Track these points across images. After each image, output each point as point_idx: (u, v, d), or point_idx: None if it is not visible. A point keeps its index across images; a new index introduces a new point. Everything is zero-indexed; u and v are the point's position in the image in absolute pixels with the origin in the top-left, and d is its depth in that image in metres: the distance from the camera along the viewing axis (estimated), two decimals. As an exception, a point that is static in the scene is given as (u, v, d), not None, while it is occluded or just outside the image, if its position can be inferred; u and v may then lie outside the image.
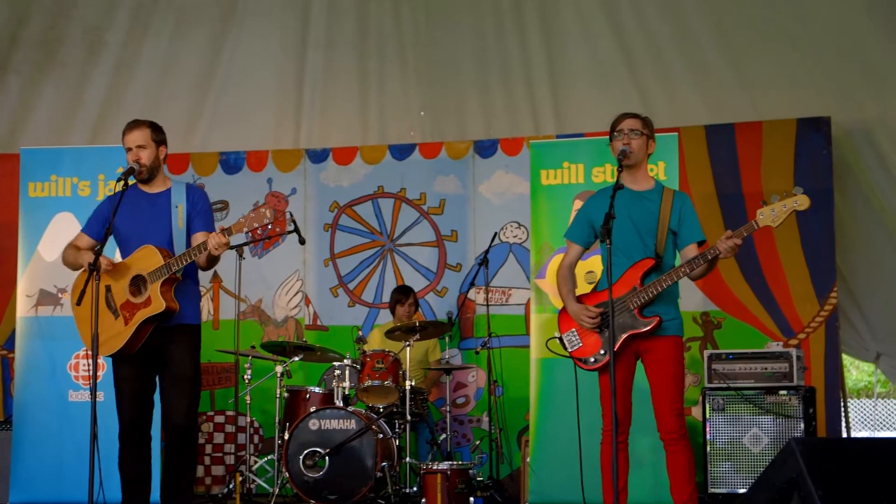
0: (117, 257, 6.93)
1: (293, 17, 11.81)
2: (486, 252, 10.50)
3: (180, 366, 6.78)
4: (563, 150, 9.57)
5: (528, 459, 9.33)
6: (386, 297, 11.00)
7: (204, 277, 10.96)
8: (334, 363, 9.87)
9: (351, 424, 9.29)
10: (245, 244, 10.32)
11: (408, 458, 9.47)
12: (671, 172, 9.03)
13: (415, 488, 9.17)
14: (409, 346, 9.60)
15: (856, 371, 20.33)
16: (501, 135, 11.26)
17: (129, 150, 6.82)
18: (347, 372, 9.70)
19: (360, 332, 10.76)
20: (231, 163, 11.61)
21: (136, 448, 6.83)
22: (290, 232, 10.30)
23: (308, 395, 9.79)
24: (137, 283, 6.66)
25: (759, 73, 10.71)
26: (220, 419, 11.25)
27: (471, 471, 9.20)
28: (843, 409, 10.11)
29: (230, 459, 11.04)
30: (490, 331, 10.33)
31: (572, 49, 11.24)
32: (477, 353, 10.55)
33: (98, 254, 6.41)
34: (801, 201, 6.07)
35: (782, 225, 6.21)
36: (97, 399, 6.32)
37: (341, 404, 9.52)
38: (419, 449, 10.13)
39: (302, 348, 10.06)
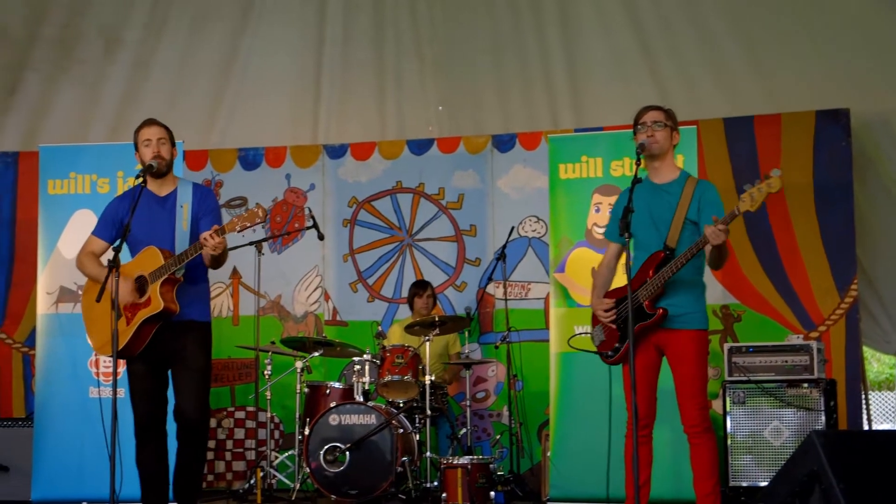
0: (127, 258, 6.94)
1: (310, 12, 11.82)
2: (505, 246, 10.49)
3: (192, 360, 6.81)
4: (581, 144, 9.56)
5: (548, 453, 9.33)
6: (405, 293, 11.00)
7: (223, 274, 11.06)
8: (354, 358, 9.87)
9: (371, 419, 9.30)
10: (264, 240, 10.33)
11: (428, 453, 9.47)
12: (690, 165, 9.00)
13: (435, 483, 9.17)
14: (428, 340, 9.60)
15: (877, 363, 20.23)
16: (519, 129, 11.24)
17: (147, 142, 6.82)
18: (367, 367, 9.71)
19: (380, 328, 10.76)
20: (249, 159, 11.61)
21: (152, 445, 6.85)
22: (308, 228, 10.33)
23: (328, 391, 9.80)
24: (140, 284, 6.67)
25: (778, 65, 10.69)
26: (240, 415, 11.26)
27: (491, 465, 9.21)
28: (864, 401, 10.08)
29: (251, 455, 11.06)
30: (509, 325, 10.32)
31: (590, 43, 11.22)
32: (496, 347, 10.53)
33: (117, 251, 6.41)
34: (774, 183, 6.04)
35: (758, 207, 6.13)
36: (118, 396, 6.33)
37: (361, 399, 9.53)
38: (439, 443, 10.13)
39: (322, 344, 10.08)
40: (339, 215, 11.47)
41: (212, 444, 11.02)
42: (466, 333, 10.51)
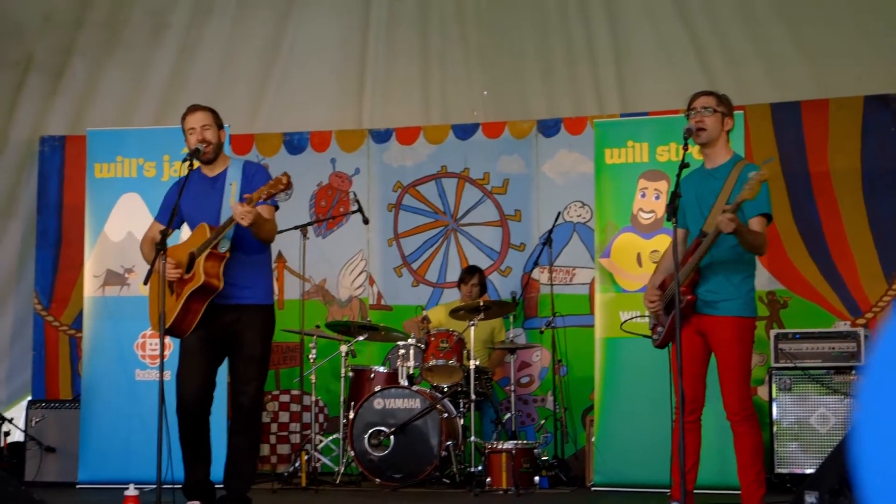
0: (184, 238, 6.98)
1: (356, -3, 11.85)
2: (550, 231, 10.47)
3: (250, 347, 6.81)
4: (627, 129, 9.53)
5: (592, 439, 9.31)
6: (450, 277, 11.02)
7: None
8: (399, 343, 9.90)
9: (415, 404, 9.31)
10: (309, 224, 10.35)
11: (472, 438, 9.47)
12: (737, 151, 8.89)
13: (479, 467, 9.16)
14: (473, 325, 9.60)
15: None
16: (565, 114, 11.21)
17: (191, 130, 6.84)
18: (412, 351, 9.72)
19: (424, 312, 10.77)
20: (295, 143, 11.63)
21: (196, 425, 6.86)
22: (353, 212, 10.35)
23: (373, 375, 9.83)
24: (190, 260, 6.71)
25: (826, 50, 10.61)
26: (285, 398, 11.30)
27: (536, 450, 9.23)
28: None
29: (296, 438, 11.10)
30: (554, 310, 10.30)
31: (636, 27, 11.18)
32: (541, 332, 10.54)
33: (165, 235, 6.43)
34: (765, 171, 5.99)
35: (755, 192, 6.05)
36: (164, 378, 6.35)
37: (406, 384, 9.55)
38: (484, 428, 10.13)
39: (366, 328, 10.10)
40: (384, 200, 11.48)
41: (256, 427, 11.07)
42: (511, 318, 10.52)
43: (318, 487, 9.19)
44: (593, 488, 9.12)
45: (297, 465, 9.70)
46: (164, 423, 6.19)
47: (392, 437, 9.24)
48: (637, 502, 7.54)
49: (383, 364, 10.17)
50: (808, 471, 8.57)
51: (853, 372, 8.72)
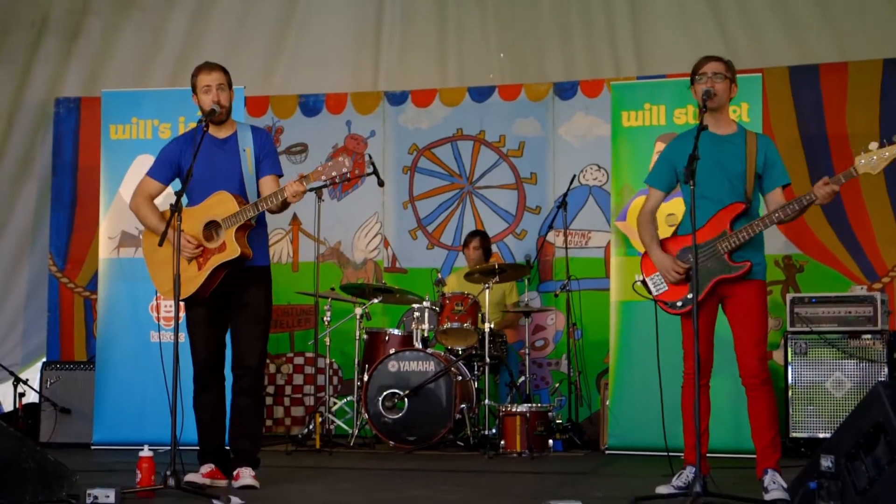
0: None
1: (371, -42, 11.79)
2: (566, 195, 10.43)
3: (255, 307, 6.78)
4: (644, 92, 9.51)
5: (607, 402, 9.32)
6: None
7: (283, 220, 11.09)
8: (413, 305, 9.89)
9: (430, 366, 9.33)
10: (323, 186, 10.32)
11: (486, 401, 9.48)
12: (754, 114, 8.92)
13: (493, 430, 9.18)
14: (488, 288, 9.59)
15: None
16: (582, 76, 11.16)
17: (206, 88, 6.77)
18: (426, 314, 9.74)
19: (440, 275, 10.76)
20: (310, 105, 11.62)
21: (210, 391, 6.85)
22: (368, 174, 10.31)
23: (387, 337, 9.84)
24: (211, 229, 6.66)
25: (845, 13, 10.55)
26: (299, 360, 11.31)
27: (550, 413, 9.24)
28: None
29: (310, 401, 11.12)
30: (569, 274, 10.28)
31: (653, -13, 11.12)
32: (556, 295, 10.54)
33: (179, 195, 6.39)
34: (891, 152, 5.92)
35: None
36: (179, 340, 6.34)
37: (420, 346, 9.56)
38: (498, 391, 10.14)
39: (381, 290, 10.10)
40: (400, 162, 11.46)
41: (270, 389, 11.10)
42: (526, 281, 10.51)
43: (331, 449, 9.21)
44: (607, 451, 9.13)
45: (311, 427, 9.72)
46: (177, 385, 6.19)
47: (406, 399, 9.26)
48: (651, 466, 7.53)
49: (398, 327, 10.16)
50: (823, 435, 8.57)
51: (869, 336, 8.69)
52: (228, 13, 11.86)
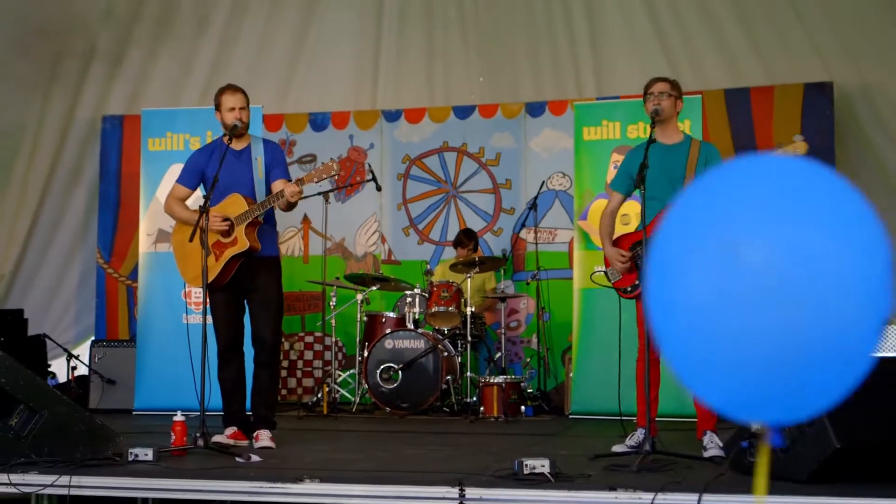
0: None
1: (371, -1, 11.79)
2: (536, 198, 10.44)
3: (266, 290, 6.79)
4: (602, 111, 9.52)
5: (571, 374, 9.32)
6: (450, 237, 10.98)
7: (295, 218, 11.08)
8: (406, 292, 9.89)
9: (420, 344, 9.32)
10: (330, 191, 10.31)
11: (468, 373, 9.48)
12: (695, 130, 8.93)
13: (474, 398, 9.19)
14: (469, 277, 9.59)
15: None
16: (549, 97, 11.16)
17: (231, 109, 6.79)
18: (417, 300, 9.74)
19: (429, 266, 10.75)
20: (318, 121, 11.60)
21: (232, 364, 6.87)
22: (368, 180, 10.34)
23: (384, 319, 9.84)
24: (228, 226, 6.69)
25: (772, 43, 10.57)
26: (309, 339, 11.30)
27: (522, 384, 9.25)
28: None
29: (318, 373, 11.11)
30: (539, 265, 10.30)
31: (610, 23, 11.11)
32: (528, 283, 10.56)
33: (207, 198, 6.42)
34: (800, 147, 5.96)
35: None
36: (207, 322, 6.37)
37: (412, 327, 9.56)
38: (478, 365, 10.14)
39: (379, 279, 10.09)
40: (395, 170, 11.44)
41: (285, 363, 11.10)
42: (502, 272, 10.52)
43: (337, 415, 9.21)
44: (571, 416, 9.13)
45: (319, 396, 9.71)
46: (205, 360, 6.21)
47: (400, 372, 9.26)
48: (608, 428, 7.53)
49: (393, 310, 10.15)
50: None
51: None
52: (249, 44, 11.84)
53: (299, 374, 11.23)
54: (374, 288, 10.06)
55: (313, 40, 11.86)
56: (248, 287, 6.79)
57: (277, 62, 11.89)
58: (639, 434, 6.31)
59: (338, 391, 9.76)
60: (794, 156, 5.78)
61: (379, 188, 9.99)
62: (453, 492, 4.71)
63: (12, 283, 11.48)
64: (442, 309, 9.56)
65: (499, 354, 9.98)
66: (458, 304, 9.60)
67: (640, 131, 9.07)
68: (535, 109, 11.11)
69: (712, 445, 5.95)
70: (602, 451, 6.01)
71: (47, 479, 5.10)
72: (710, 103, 10.07)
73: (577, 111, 9.63)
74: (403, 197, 11.42)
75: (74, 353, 10.47)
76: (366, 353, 9.42)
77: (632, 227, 7.89)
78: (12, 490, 5.08)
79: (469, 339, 9.49)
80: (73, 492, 5.07)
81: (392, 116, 11.50)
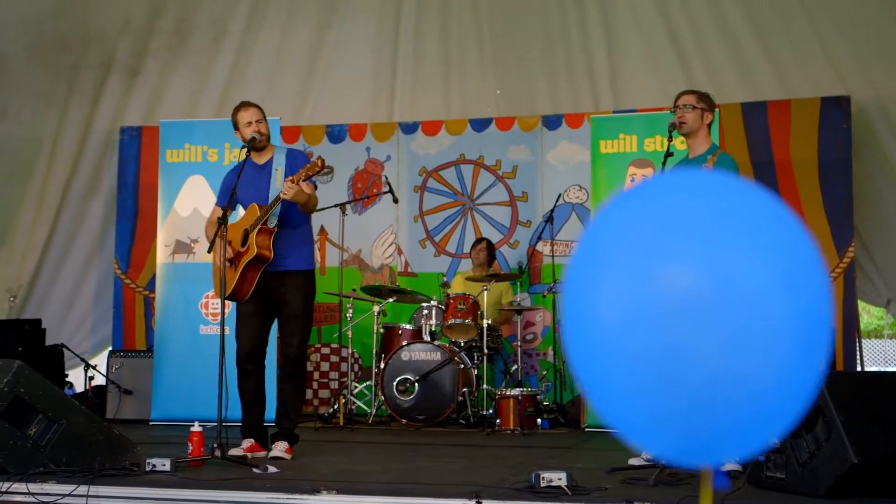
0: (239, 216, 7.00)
1: (388, 11, 11.77)
2: (552, 211, 10.45)
3: (291, 306, 6.81)
4: (619, 124, 9.50)
5: (587, 387, 9.29)
6: (467, 249, 11.01)
7: (313, 231, 11.05)
8: (423, 304, 9.90)
9: (437, 356, 9.32)
10: (347, 203, 10.34)
11: (485, 385, 9.48)
12: (714, 143, 8.92)
13: (490, 411, 9.18)
14: (486, 290, 9.59)
15: (867, 315, 20.08)
16: (566, 110, 11.17)
17: (248, 124, 6.82)
18: (434, 312, 9.74)
19: (445, 278, 10.76)
20: (335, 134, 11.62)
21: (251, 376, 6.86)
22: (385, 193, 10.38)
23: (400, 331, 9.85)
24: (244, 235, 6.72)
25: (789, 57, 10.57)
26: (325, 350, 11.31)
27: (538, 396, 9.23)
28: (857, 347, 10.00)
29: (334, 385, 11.11)
30: (555, 278, 10.30)
31: (627, 36, 11.12)
32: (544, 296, 10.56)
33: (226, 210, 6.47)
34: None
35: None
36: (224, 333, 6.38)
37: (429, 339, 9.56)
38: (494, 378, 10.13)
39: (395, 291, 10.11)
40: (411, 182, 11.46)
41: (301, 374, 11.11)
42: (518, 284, 10.53)
43: (353, 426, 9.21)
44: (587, 429, 9.11)
45: (335, 407, 9.73)
46: (223, 370, 6.22)
47: (416, 384, 9.26)
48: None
49: (409, 322, 10.16)
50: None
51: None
52: (265, 56, 11.88)
53: (316, 385, 11.24)
54: (391, 300, 10.07)
55: (330, 52, 11.89)
56: (276, 301, 6.82)
57: (294, 74, 11.92)
58: (655, 447, 6.29)
59: (354, 403, 9.78)
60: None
61: (396, 200, 10.02)
62: (470, 504, 4.72)
63: (30, 293, 11.55)
64: (458, 321, 9.56)
65: (515, 367, 9.98)
66: (474, 316, 9.60)
67: (656, 144, 9.08)
68: (551, 122, 11.12)
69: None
70: (619, 465, 6.00)
71: (65, 488, 5.13)
72: (726, 117, 10.07)
73: (593, 124, 9.63)
74: (420, 209, 11.44)
75: (92, 363, 10.51)
76: (382, 365, 9.43)
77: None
78: (30, 500, 5.11)
79: (485, 351, 9.49)
80: (91, 502, 5.10)
81: (409, 129, 11.52)
